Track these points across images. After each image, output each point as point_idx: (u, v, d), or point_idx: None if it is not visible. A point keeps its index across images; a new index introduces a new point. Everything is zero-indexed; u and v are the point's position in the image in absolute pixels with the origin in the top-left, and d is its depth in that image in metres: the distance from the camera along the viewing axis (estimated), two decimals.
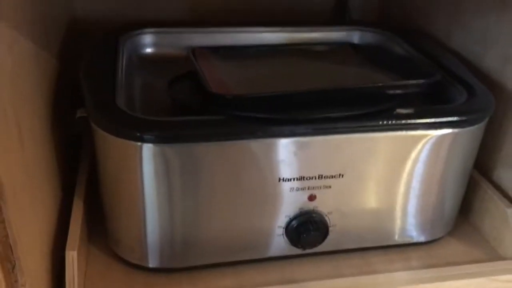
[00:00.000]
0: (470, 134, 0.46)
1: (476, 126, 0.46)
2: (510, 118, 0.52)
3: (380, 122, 0.43)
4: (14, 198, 0.33)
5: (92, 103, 0.43)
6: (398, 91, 0.45)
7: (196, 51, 0.53)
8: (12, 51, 0.37)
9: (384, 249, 0.50)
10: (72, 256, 0.42)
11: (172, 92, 0.47)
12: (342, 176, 0.44)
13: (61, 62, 0.55)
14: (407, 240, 0.51)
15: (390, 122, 0.43)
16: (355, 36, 0.63)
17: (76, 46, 0.63)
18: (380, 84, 0.47)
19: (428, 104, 0.48)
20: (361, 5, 0.76)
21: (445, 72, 0.52)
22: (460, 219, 0.55)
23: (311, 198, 0.45)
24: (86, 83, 0.45)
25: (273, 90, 0.44)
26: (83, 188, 0.49)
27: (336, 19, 0.76)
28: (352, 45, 0.62)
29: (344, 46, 0.61)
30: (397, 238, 0.50)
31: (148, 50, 0.58)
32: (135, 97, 0.50)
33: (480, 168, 0.56)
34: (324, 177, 0.44)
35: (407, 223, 0.50)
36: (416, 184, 0.47)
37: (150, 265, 0.46)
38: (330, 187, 0.45)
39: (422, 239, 0.51)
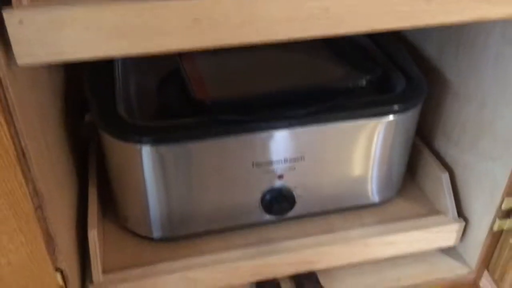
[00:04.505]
0: (409, 116, 0.57)
1: (411, 110, 0.56)
2: (445, 98, 0.62)
3: (330, 115, 0.53)
4: (48, 194, 0.43)
5: (97, 112, 0.52)
6: (348, 85, 0.55)
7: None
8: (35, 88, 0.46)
9: (343, 211, 0.62)
10: (93, 234, 0.53)
11: (161, 96, 0.57)
12: (304, 158, 0.55)
13: (69, 73, 0.63)
14: (363, 202, 0.62)
15: (338, 114, 0.53)
16: None
17: None
18: (329, 83, 0.56)
19: (374, 91, 0.58)
20: None
21: (390, 60, 0.61)
22: (408, 181, 0.66)
23: (280, 177, 0.56)
24: (90, 94, 0.55)
25: (247, 91, 0.54)
26: (94, 178, 0.60)
27: None
28: None
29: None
30: (354, 202, 0.62)
31: None
32: (132, 101, 0.59)
33: (424, 138, 0.67)
34: (289, 160, 0.55)
35: (362, 189, 0.61)
36: (366, 160, 0.58)
37: (155, 236, 0.58)
38: (294, 168, 0.56)
39: (375, 201, 0.63)
